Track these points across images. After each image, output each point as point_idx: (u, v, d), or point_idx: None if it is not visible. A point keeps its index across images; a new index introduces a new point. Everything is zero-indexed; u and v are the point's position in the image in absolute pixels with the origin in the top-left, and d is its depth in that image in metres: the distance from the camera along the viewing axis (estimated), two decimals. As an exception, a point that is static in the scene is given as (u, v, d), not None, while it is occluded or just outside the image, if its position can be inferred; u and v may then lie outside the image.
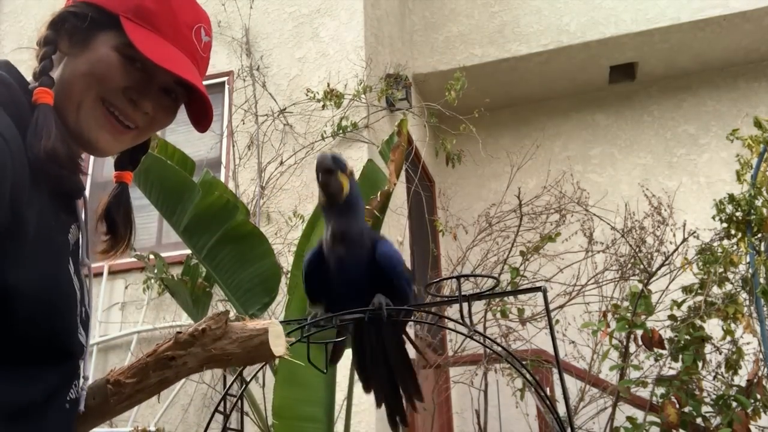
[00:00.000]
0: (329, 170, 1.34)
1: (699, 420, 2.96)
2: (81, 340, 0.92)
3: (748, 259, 3.18)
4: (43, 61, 0.91)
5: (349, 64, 4.50)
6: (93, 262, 1.00)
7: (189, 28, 0.98)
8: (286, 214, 4.17)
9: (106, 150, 0.96)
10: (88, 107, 0.91)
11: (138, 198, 4.07)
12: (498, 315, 3.60)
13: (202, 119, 1.03)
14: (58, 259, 0.88)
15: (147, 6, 0.93)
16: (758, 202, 3.14)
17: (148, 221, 4.57)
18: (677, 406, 2.93)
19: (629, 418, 3.04)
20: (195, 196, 2.44)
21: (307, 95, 4.43)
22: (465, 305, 1.31)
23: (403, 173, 4.54)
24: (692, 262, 3.30)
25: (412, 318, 1.39)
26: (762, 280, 3.12)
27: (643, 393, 3.35)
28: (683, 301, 3.18)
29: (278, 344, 1.01)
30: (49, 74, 0.91)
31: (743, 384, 3.07)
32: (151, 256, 3.15)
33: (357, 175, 2.66)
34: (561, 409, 3.22)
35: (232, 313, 3.60)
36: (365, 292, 1.39)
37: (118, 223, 1.00)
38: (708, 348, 3.16)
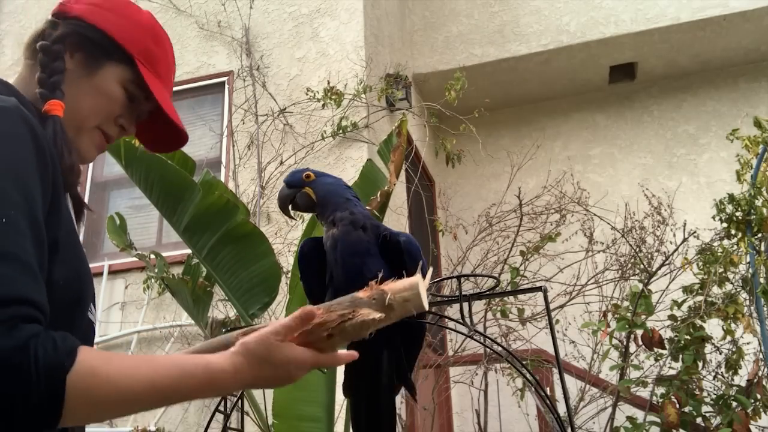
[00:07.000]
0: (288, 201, 1.41)
1: (699, 420, 2.96)
2: (91, 317, 1.03)
3: (748, 259, 3.17)
4: (55, 75, 0.97)
5: (349, 64, 4.50)
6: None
7: (173, 72, 1.13)
8: (286, 214, 4.17)
9: (91, 160, 1.08)
10: (87, 133, 1.03)
11: (138, 198, 4.10)
12: (498, 315, 3.60)
13: (167, 143, 1.16)
14: (82, 249, 1.00)
15: (153, 52, 1.05)
16: (758, 202, 3.13)
17: (148, 221, 4.58)
18: (677, 406, 2.92)
19: (629, 418, 3.04)
20: (195, 196, 2.44)
21: (307, 94, 4.43)
22: (465, 305, 1.31)
23: (403, 173, 4.54)
24: (692, 262, 3.29)
25: (414, 318, 1.38)
26: (762, 280, 3.12)
27: (643, 393, 3.35)
28: (683, 301, 3.18)
29: (425, 297, 1.00)
30: (62, 88, 0.97)
31: (743, 384, 3.07)
32: (152, 256, 3.14)
33: (356, 175, 2.67)
34: (561, 409, 3.22)
35: (233, 313, 3.58)
36: (364, 281, 1.37)
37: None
38: (708, 348, 3.16)
